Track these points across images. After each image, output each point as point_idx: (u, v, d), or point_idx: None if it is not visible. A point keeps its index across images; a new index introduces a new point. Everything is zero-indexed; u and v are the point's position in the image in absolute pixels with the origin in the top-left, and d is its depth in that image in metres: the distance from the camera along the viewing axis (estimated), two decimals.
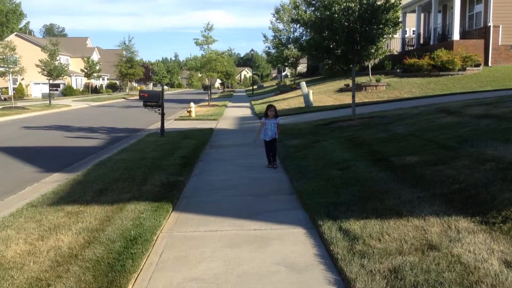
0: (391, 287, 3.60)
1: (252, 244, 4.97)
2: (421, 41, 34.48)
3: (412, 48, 35.13)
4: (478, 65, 26.38)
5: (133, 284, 4.09)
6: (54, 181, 8.82)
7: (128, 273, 4.13)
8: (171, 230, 5.62)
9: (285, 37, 40.90)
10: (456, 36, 28.11)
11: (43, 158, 12.14)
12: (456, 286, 3.52)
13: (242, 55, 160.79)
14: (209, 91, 36.77)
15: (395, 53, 33.61)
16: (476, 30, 28.70)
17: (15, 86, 54.00)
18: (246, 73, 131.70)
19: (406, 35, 37.60)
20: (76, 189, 7.58)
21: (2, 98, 48.51)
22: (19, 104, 37.88)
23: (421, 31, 35.34)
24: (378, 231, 4.77)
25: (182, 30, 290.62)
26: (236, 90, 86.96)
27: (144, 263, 4.54)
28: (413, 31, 38.09)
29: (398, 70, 28.99)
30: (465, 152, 7.54)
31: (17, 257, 4.59)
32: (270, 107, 9.42)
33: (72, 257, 4.54)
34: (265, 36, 42.65)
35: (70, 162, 11.16)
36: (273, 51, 43.44)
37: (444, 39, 30.40)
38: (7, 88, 51.93)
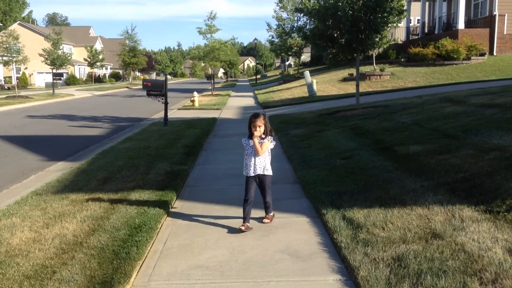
0: (394, 275, 3.61)
1: (256, 232, 4.99)
2: (426, 30, 34.23)
3: (417, 37, 34.87)
4: (483, 54, 26.20)
5: (138, 271, 4.12)
6: (58, 169, 8.86)
7: (133, 260, 4.15)
8: (175, 218, 5.64)
9: (288, 26, 40.61)
10: (461, 25, 27.89)
11: (47, 147, 12.18)
12: (459, 274, 3.52)
13: (245, 44, 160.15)
14: (212, 81, 36.69)
15: (400, 42, 33.39)
16: (481, 19, 28.45)
17: (19, 75, 54.05)
18: (250, 62, 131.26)
19: (410, 24, 37.30)
20: (80, 178, 7.61)
21: (6, 87, 48.59)
22: (23, 93, 37.95)
23: (426, 20, 35.06)
24: (382, 219, 4.78)
25: (185, 19, 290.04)
26: (239, 79, 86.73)
27: (149, 251, 4.57)
28: (418, 20, 37.78)
29: (402, 60, 28.83)
30: (469, 141, 7.51)
31: (23, 245, 4.63)
32: (255, 117, 5.20)
33: (77, 245, 4.57)
34: (268, 25, 42.53)
35: (74, 151, 11.19)
36: (276, 40, 43.19)
37: (449, 28, 30.17)
38: (10, 77, 51.95)
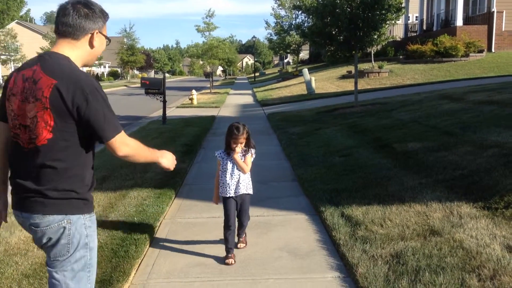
0: (393, 272, 3.62)
1: (255, 230, 4.99)
2: (424, 27, 34.20)
3: (415, 34, 34.86)
4: (481, 51, 26.19)
5: (137, 269, 4.12)
6: None
7: (131, 258, 4.16)
8: (174, 216, 5.65)
9: (287, 23, 40.59)
10: (459, 21, 27.86)
11: None
12: (458, 271, 3.53)
13: (243, 42, 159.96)
14: (210, 79, 36.68)
15: (398, 39, 33.36)
16: (480, 16, 28.45)
17: None
18: (248, 60, 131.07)
19: (409, 21, 37.27)
20: None
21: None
22: None
23: (424, 17, 35.02)
24: (380, 217, 4.79)
25: (183, 17, 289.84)
26: (237, 77, 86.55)
27: (148, 249, 4.57)
28: (416, 17, 37.74)
29: (400, 57, 28.81)
30: (467, 138, 7.52)
31: (21, 244, 4.62)
32: (238, 132, 4.18)
33: None
34: (267, 23, 42.56)
35: None
36: (275, 37, 43.18)
37: (447, 25, 30.15)
38: None
